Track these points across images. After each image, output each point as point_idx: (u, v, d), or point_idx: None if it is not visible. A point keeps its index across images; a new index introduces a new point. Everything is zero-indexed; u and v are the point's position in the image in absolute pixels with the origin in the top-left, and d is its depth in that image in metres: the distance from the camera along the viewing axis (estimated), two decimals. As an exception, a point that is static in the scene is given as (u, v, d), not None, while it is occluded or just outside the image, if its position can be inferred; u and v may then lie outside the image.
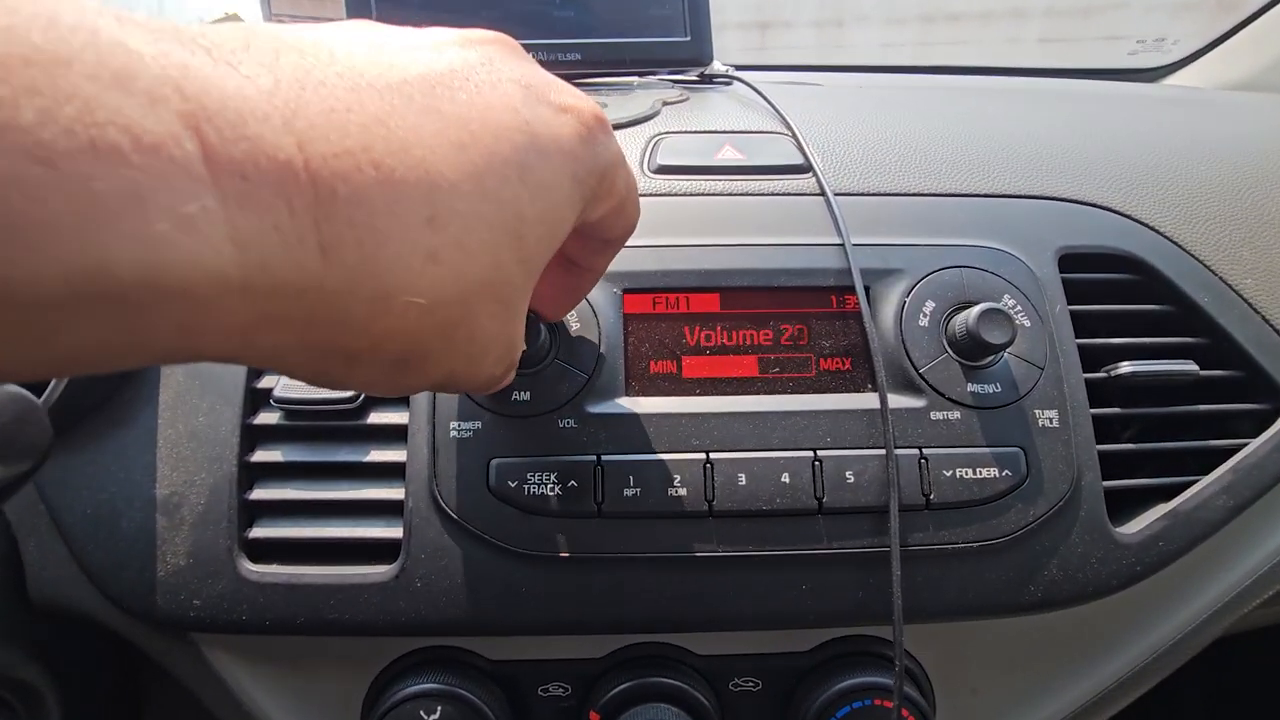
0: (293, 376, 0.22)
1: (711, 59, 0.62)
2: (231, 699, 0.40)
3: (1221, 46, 1.02)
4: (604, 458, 0.38)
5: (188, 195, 0.16)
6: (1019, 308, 0.41)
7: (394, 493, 0.39)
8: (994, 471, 0.38)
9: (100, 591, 0.38)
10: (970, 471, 0.38)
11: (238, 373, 0.40)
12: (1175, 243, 0.45)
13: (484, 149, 0.22)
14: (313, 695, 0.40)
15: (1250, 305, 0.44)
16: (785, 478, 0.38)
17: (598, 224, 0.28)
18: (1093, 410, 0.41)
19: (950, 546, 0.38)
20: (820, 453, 0.38)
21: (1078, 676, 0.42)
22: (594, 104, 0.26)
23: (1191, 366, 0.42)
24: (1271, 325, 0.43)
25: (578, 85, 0.57)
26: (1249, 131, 0.56)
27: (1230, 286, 0.44)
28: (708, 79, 0.63)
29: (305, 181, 0.18)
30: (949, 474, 0.38)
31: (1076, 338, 0.42)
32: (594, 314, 0.40)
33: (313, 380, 0.22)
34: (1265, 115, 0.63)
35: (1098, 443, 0.40)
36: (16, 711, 0.40)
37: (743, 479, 0.38)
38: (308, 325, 0.19)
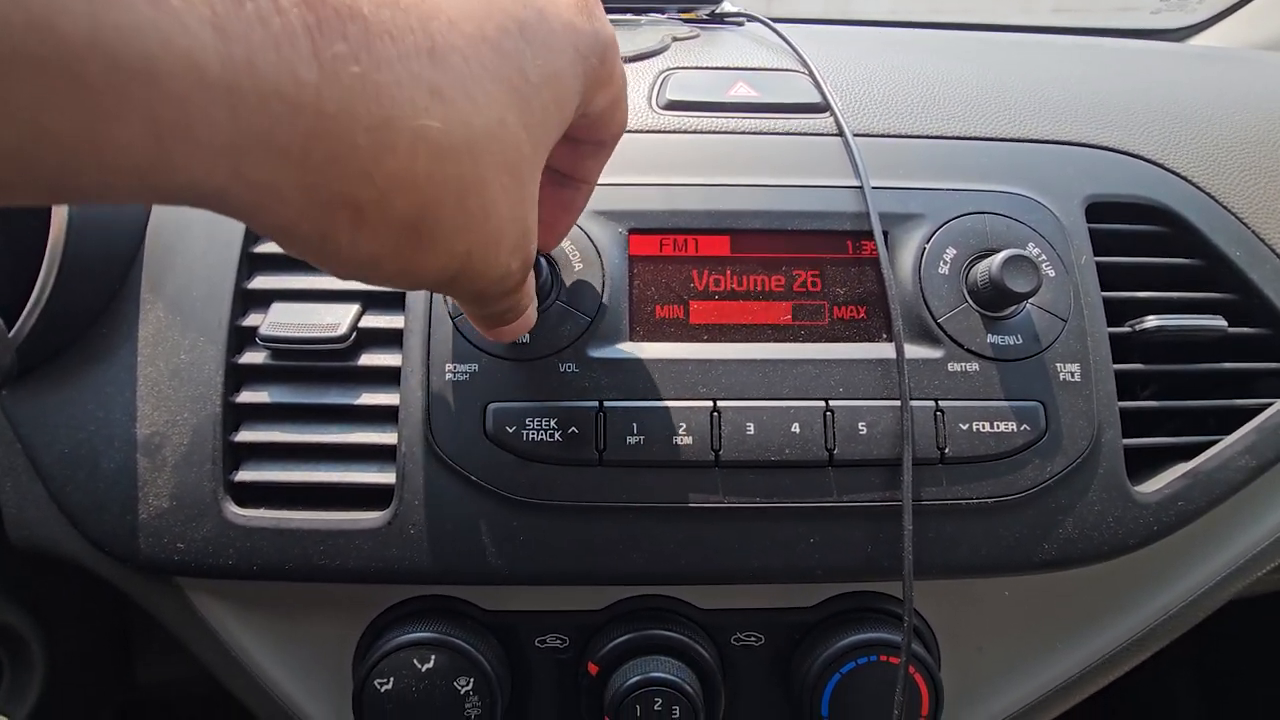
0: (292, 243, 0.20)
1: (723, -4, 0.59)
2: (218, 646, 0.39)
3: (1248, 6, 0.99)
4: (606, 404, 0.36)
5: None
6: (1044, 257, 0.39)
7: (386, 437, 0.37)
8: (1012, 426, 0.37)
9: (81, 534, 0.37)
10: (987, 425, 0.37)
11: (221, 309, 0.38)
12: (1208, 194, 0.43)
13: None
14: (302, 643, 0.39)
15: (1283, 260, 0.42)
16: (795, 428, 0.36)
17: (596, 119, 0.27)
18: (1116, 366, 0.39)
19: (964, 502, 0.36)
20: (832, 403, 0.36)
21: (1086, 637, 0.41)
22: None
23: (1220, 322, 0.40)
24: (1304, 282, 0.42)
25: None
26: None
27: (1263, 240, 0.42)
28: (719, 18, 0.60)
29: None
30: (965, 427, 0.37)
31: (1102, 290, 0.40)
32: (598, 255, 0.38)
33: (316, 249, 0.20)
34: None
35: (1119, 399, 0.39)
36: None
37: (751, 428, 0.36)
38: (305, 158, 0.17)
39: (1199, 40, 1.00)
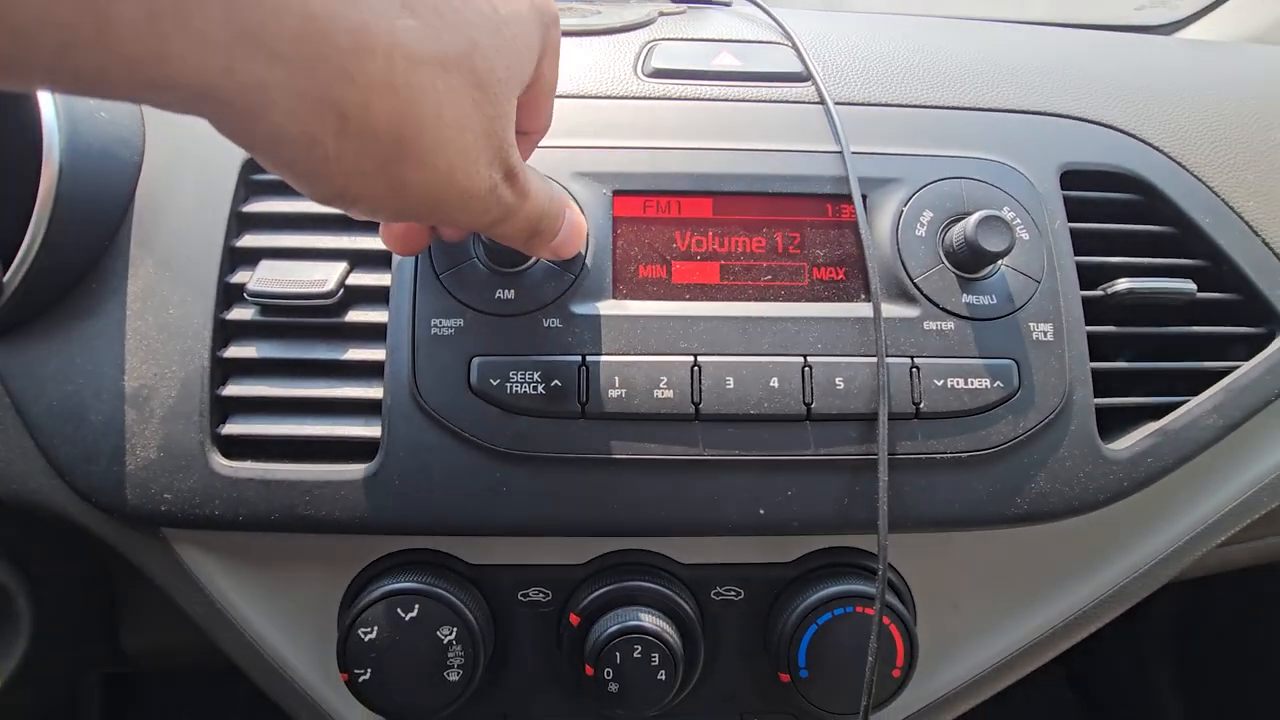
0: (279, 149, 0.21)
1: (711, -25, 0.60)
2: (204, 597, 0.39)
3: (1229, 2, 1.00)
4: (589, 358, 0.37)
5: None
6: (1018, 220, 0.40)
7: (372, 391, 0.38)
8: (986, 382, 0.38)
9: (68, 486, 0.37)
10: (962, 381, 0.38)
11: (210, 265, 0.39)
12: (1179, 163, 0.44)
13: None
14: (288, 595, 0.40)
15: (1251, 228, 0.43)
16: (774, 382, 0.37)
17: (531, 103, 0.29)
18: (1088, 328, 0.40)
19: (939, 456, 0.37)
20: (810, 358, 0.37)
21: (1059, 595, 0.42)
22: None
23: (1189, 285, 0.41)
24: (1272, 249, 0.43)
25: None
26: (1257, 71, 0.55)
27: (1232, 209, 0.43)
28: (707, -2, 0.61)
29: None
30: (940, 383, 0.37)
31: (1075, 255, 0.41)
32: (583, 214, 0.39)
33: (303, 157, 0.21)
34: (1274, 61, 0.61)
35: (1091, 360, 0.40)
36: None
37: (730, 382, 0.37)
38: (293, 56, 0.19)
39: (1184, 35, 1.01)
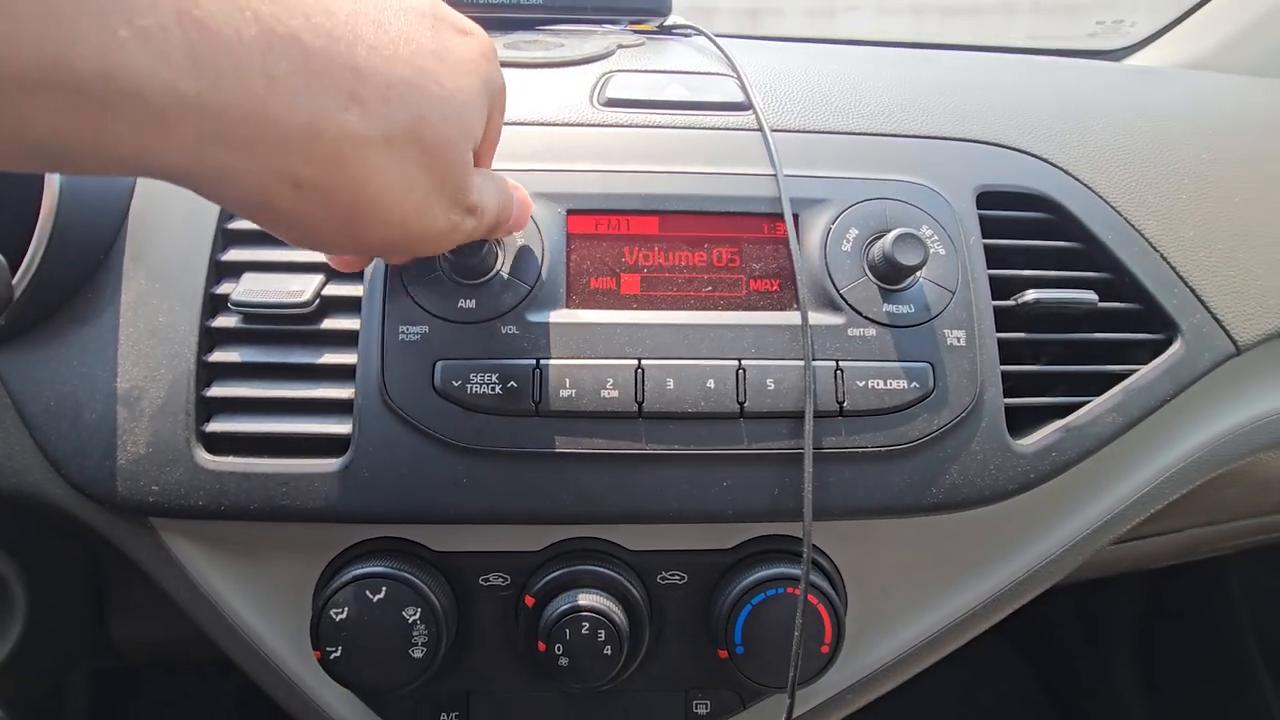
0: (246, 210, 0.26)
1: (670, 10, 0.64)
2: (189, 583, 0.42)
3: (1178, 28, 1.06)
4: (542, 361, 0.40)
5: (144, 11, 0.19)
6: (935, 237, 0.44)
7: (345, 392, 0.41)
8: (904, 384, 0.42)
9: (64, 478, 0.41)
10: (882, 383, 0.41)
11: (197, 277, 0.42)
12: (1087, 185, 0.48)
13: (400, 29, 0.26)
14: (267, 581, 0.43)
15: (1151, 244, 0.47)
16: (710, 383, 0.41)
17: (480, 148, 0.32)
18: (999, 334, 0.44)
19: (860, 450, 0.41)
20: (744, 361, 0.41)
21: (978, 578, 0.46)
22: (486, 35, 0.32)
23: (1091, 296, 0.45)
24: (1169, 264, 0.47)
25: (540, 30, 0.59)
26: (1175, 97, 0.60)
27: (1134, 227, 0.47)
28: (667, 30, 0.65)
29: (250, 19, 0.21)
30: (862, 384, 0.41)
31: (990, 269, 0.45)
32: (539, 231, 0.43)
33: (268, 216, 0.26)
34: (1194, 86, 0.66)
35: (1004, 364, 0.44)
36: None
37: (671, 383, 0.40)
38: (253, 148, 0.22)
39: (1135, 60, 1.07)
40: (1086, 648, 1.22)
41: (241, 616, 0.43)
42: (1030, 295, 0.44)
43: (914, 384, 0.42)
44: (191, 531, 0.42)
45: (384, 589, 0.40)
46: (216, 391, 0.41)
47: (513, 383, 0.40)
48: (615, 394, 0.40)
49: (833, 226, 0.44)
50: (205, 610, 0.42)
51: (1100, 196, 0.48)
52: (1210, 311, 0.47)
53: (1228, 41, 0.95)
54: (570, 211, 0.43)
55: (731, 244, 0.44)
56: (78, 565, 0.50)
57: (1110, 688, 1.17)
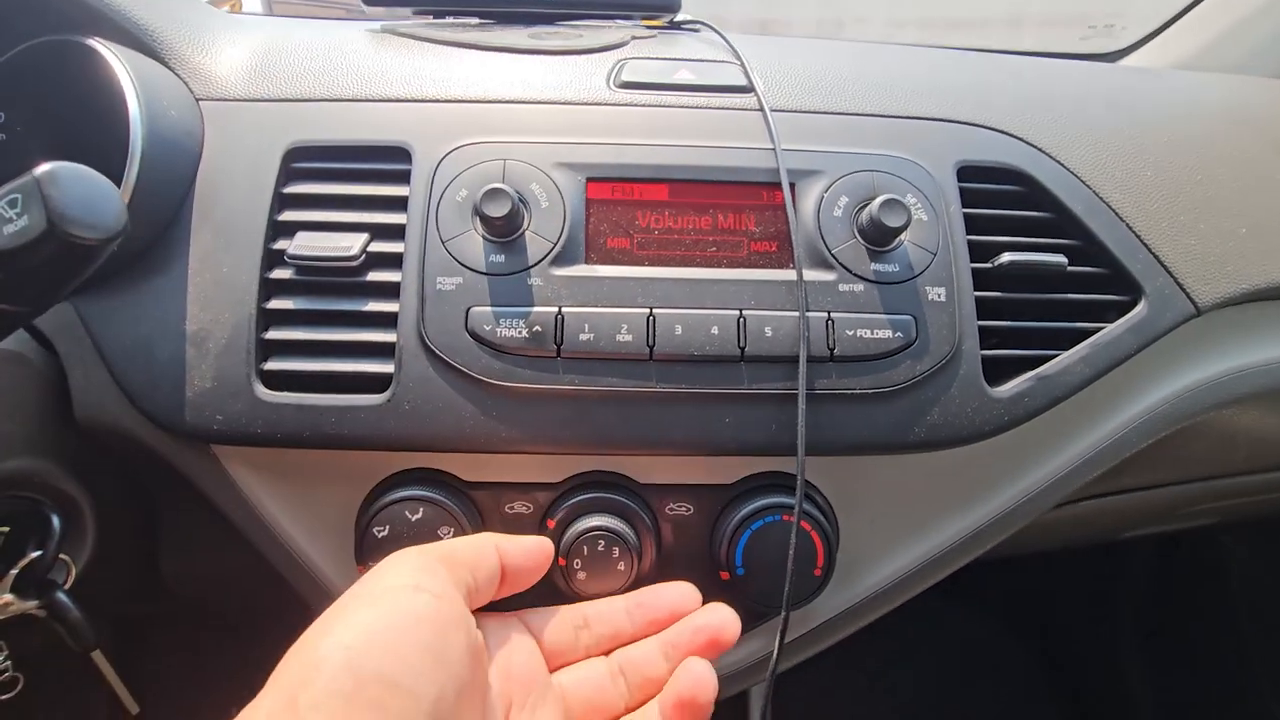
0: None
1: (679, 8, 0.69)
2: (246, 505, 0.47)
3: (1167, 31, 1.11)
4: (564, 309, 0.45)
5: None
6: (918, 204, 0.49)
7: (387, 336, 0.46)
8: (889, 333, 0.46)
9: (138, 409, 0.46)
10: (869, 332, 0.46)
11: (257, 235, 0.47)
12: (1059, 161, 0.53)
13: None
14: (315, 505, 0.48)
15: (1117, 214, 0.52)
16: (714, 330, 0.45)
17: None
18: (977, 293, 0.49)
19: (850, 391, 0.46)
20: (745, 312, 0.46)
21: (960, 514, 0.50)
22: None
23: (1061, 259, 0.49)
24: (1134, 231, 0.51)
25: (560, 24, 0.64)
26: (1148, 90, 0.64)
27: (1101, 199, 0.52)
28: (677, 25, 0.71)
29: None
30: (851, 333, 0.46)
31: (969, 235, 0.50)
32: (561, 196, 0.48)
33: None
34: (1168, 81, 0.71)
35: (980, 320, 0.48)
36: (52, 524, 0.47)
37: (679, 330, 0.45)
38: None
39: (1126, 62, 1.11)
40: (1089, 630, 1.24)
41: (292, 537, 0.47)
42: (1005, 258, 0.49)
43: (898, 334, 0.46)
44: (249, 458, 0.47)
45: (421, 510, 0.45)
46: (274, 335, 0.46)
47: (537, 327, 0.45)
48: (629, 339, 0.45)
49: (825, 194, 0.49)
50: (259, 530, 0.47)
51: (1071, 171, 0.52)
52: (1172, 275, 0.51)
53: (1211, 43, 1.00)
54: (589, 180, 0.48)
55: (734, 210, 0.49)
56: (136, 501, 0.55)
57: (1116, 674, 1.20)
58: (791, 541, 0.44)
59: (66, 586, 0.46)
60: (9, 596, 0.43)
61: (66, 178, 0.30)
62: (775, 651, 0.45)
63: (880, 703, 1.26)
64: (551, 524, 0.46)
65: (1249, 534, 1.07)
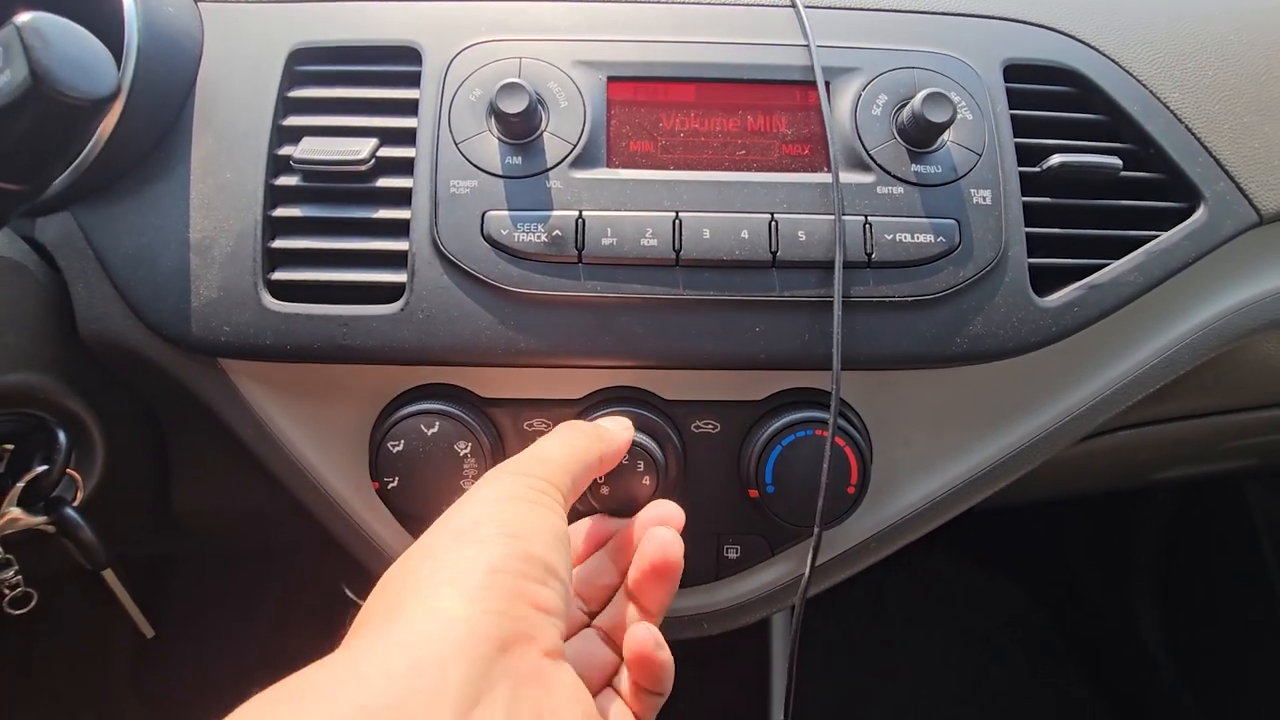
0: None
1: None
2: (256, 422, 0.45)
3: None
4: (585, 213, 0.43)
5: None
6: (963, 103, 0.45)
7: (399, 245, 0.44)
8: (930, 238, 0.43)
9: (142, 322, 0.44)
10: (909, 236, 0.43)
11: (261, 140, 0.45)
12: (1113, 60, 0.49)
13: None
14: (328, 423, 0.46)
15: (1176, 116, 0.48)
16: (745, 234, 0.43)
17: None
18: (1024, 198, 0.46)
19: (888, 299, 0.43)
20: (777, 215, 0.43)
21: (999, 434, 0.48)
22: None
23: (1116, 161, 0.46)
24: (1194, 134, 0.48)
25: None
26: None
27: (1159, 99, 0.48)
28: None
29: None
30: (890, 237, 0.43)
31: (1015, 137, 0.46)
32: (581, 96, 0.45)
33: None
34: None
35: (1027, 228, 0.45)
36: (58, 440, 0.45)
37: (707, 233, 0.43)
38: None
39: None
40: (1104, 585, 1.23)
41: (305, 455, 0.46)
42: (1055, 159, 0.46)
43: (940, 238, 0.43)
44: (258, 374, 0.45)
45: (437, 423, 0.43)
46: (281, 244, 0.44)
47: (557, 231, 0.42)
48: (654, 243, 0.42)
49: (863, 93, 0.45)
50: (270, 448, 0.46)
51: (1126, 70, 0.49)
52: (1234, 180, 0.48)
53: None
54: (611, 79, 0.45)
55: (765, 111, 0.46)
56: (145, 428, 0.53)
57: (1131, 628, 1.19)
58: (826, 455, 0.41)
59: (75, 504, 0.45)
60: (16, 511, 0.42)
61: (51, 30, 0.27)
62: (807, 571, 0.43)
63: (896, 659, 1.25)
64: (573, 440, 0.44)
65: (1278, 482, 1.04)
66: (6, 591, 0.42)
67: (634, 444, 0.42)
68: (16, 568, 0.42)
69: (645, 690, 0.34)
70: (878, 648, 1.26)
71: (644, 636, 0.34)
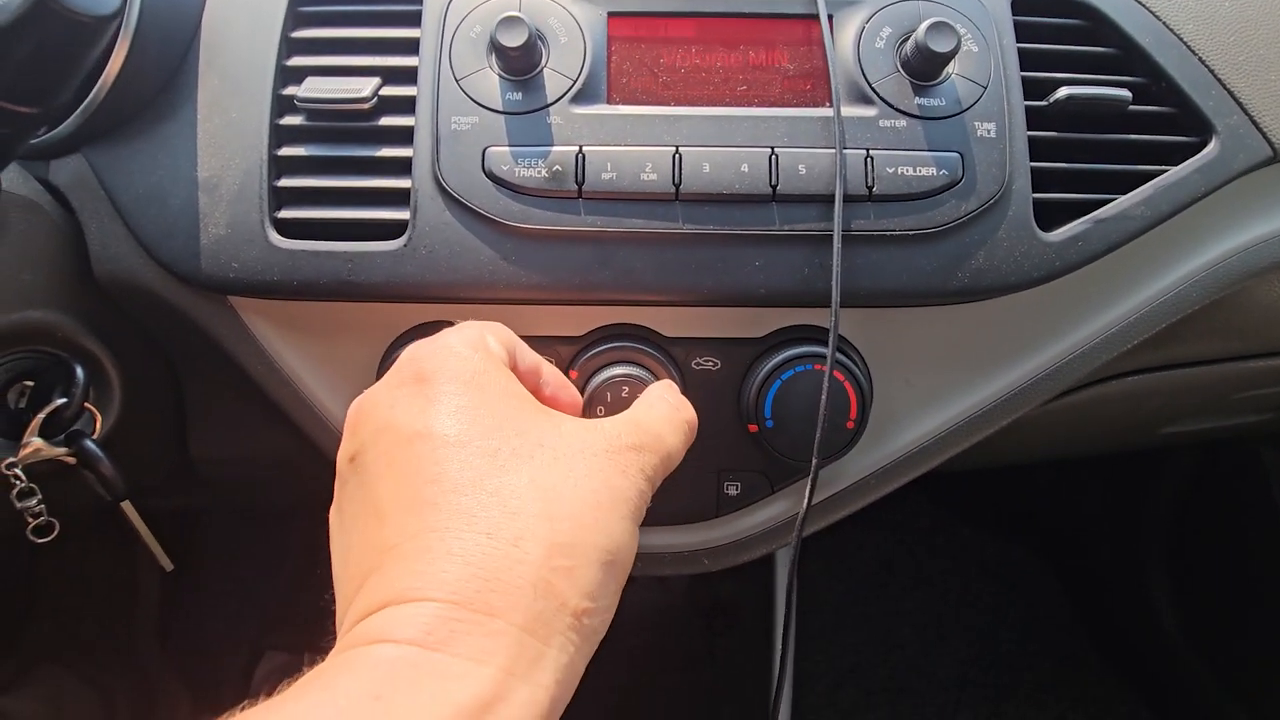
0: None
1: None
2: (265, 359, 0.46)
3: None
4: (585, 148, 0.43)
5: None
6: (968, 35, 0.45)
7: (402, 182, 0.44)
8: (932, 171, 0.43)
9: (153, 260, 0.45)
10: (911, 169, 0.43)
11: (265, 80, 0.45)
12: (1125, -9, 0.48)
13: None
14: (335, 360, 0.47)
15: (1189, 47, 0.47)
16: (744, 168, 0.43)
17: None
18: (1030, 132, 0.45)
19: (889, 232, 0.43)
20: (777, 149, 0.43)
21: (999, 373, 0.48)
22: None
23: (1124, 93, 0.45)
24: (1207, 65, 0.47)
25: None
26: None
27: (1172, 30, 0.47)
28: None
29: None
30: (892, 170, 0.43)
31: (1022, 71, 0.46)
32: (581, 32, 0.45)
33: None
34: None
35: (1032, 162, 0.45)
36: (76, 374, 0.46)
37: (706, 167, 0.43)
38: None
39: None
40: (1117, 557, 1.22)
41: (313, 392, 0.47)
42: (1062, 92, 0.45)
43: (943, 171, 0.43)
44: (266, 311, 0.46)
45: (441, 358, 0.44)
46: (286, 183, 0.45)
47: (557, 166, 0.42)
48: (654, 177, 0.42)
49: (866, 25, 0.45)
50: (279, 384, 0.47)
51: (1139, 1, 0.48)
52: (1248, 114, 0.47)
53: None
54: (611, 14, 0.45)
55: (766, 45, 0.45)
56: (160, 371, 0.55)
57: (1143, 595, 1.18)
58: (824, 387, 0.42)
59: (95, 437, 0.46)
60: (38, 441, 0.43)
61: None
62: (805, 504, 0.43)
63: (903, 624, 1.26)
64: (574, 375, 0.45)
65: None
66: (30, 520, 0.44)
67: (634, 380, 0.43)
68: (40, 497, 0.44)
69: None
70: (884, 611, 1.27)
71: None
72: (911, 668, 1.23)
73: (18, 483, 0.43)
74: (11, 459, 0.42)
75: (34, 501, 0.43)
